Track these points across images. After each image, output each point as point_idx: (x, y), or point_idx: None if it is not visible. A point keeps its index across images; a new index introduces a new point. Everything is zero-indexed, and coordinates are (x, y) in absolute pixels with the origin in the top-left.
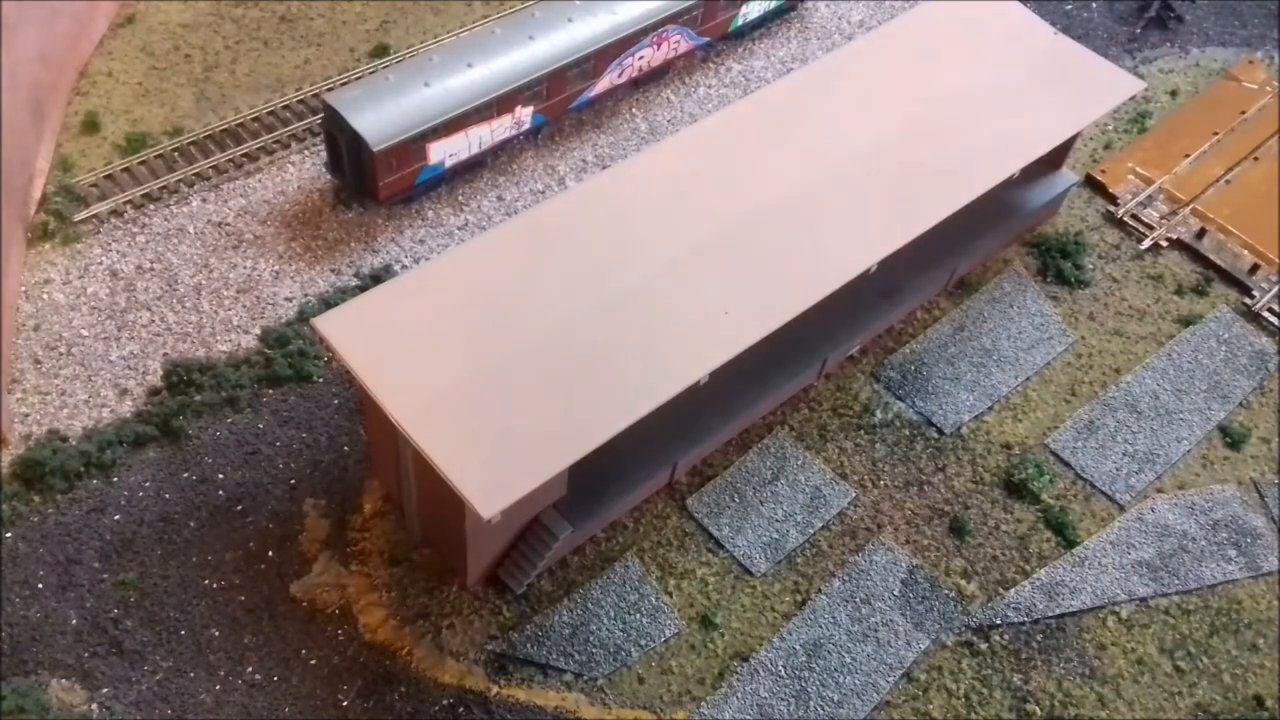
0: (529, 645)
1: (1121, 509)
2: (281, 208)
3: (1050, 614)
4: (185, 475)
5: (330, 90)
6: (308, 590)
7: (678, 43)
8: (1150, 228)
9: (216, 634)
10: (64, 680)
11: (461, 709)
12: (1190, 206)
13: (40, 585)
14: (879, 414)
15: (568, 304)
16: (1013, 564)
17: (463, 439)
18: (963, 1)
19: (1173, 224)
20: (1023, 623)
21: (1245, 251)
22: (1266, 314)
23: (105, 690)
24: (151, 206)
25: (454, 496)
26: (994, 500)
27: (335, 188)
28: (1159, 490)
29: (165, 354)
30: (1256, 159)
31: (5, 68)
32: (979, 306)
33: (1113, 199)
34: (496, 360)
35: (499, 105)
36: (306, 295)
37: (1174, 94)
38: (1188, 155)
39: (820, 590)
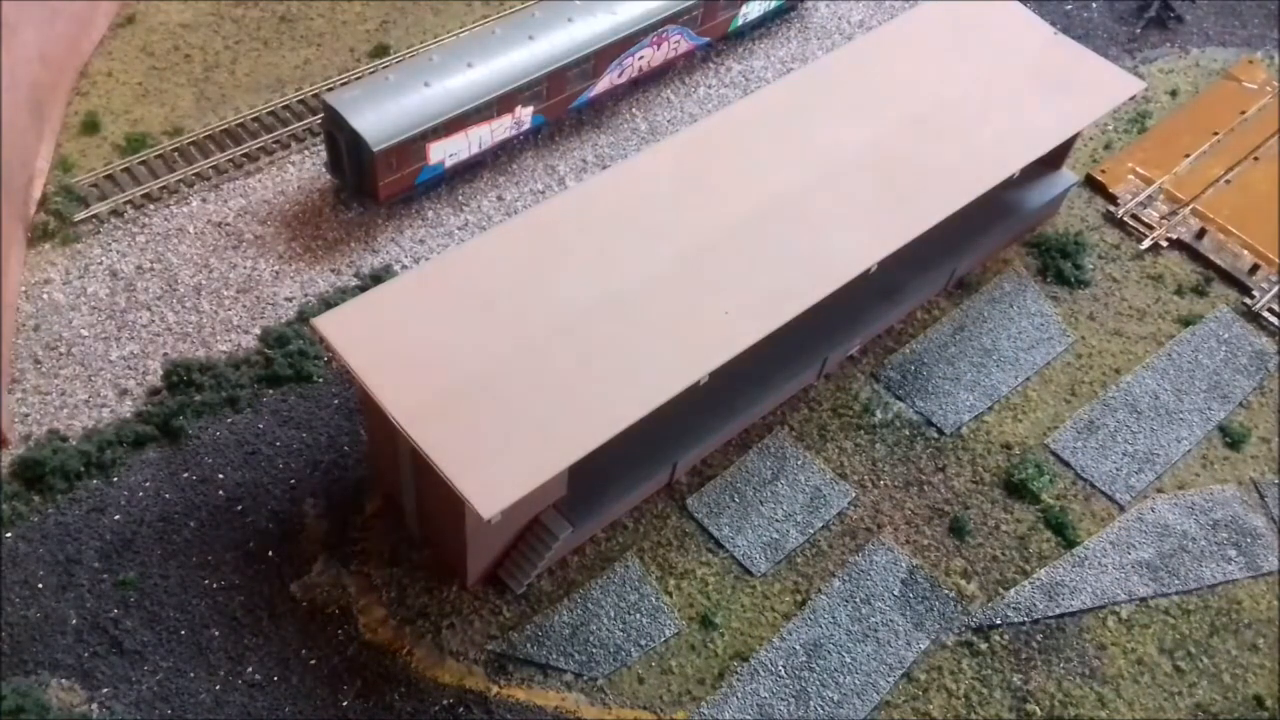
0: (529, 645)
1: (1121, 509)
2: (281, 208)
3: (1050, 614)
4: (185, 475)
5: (330, 90)
6: (308, 590)
7: (678, 43)
8: (1150, 228)
9: (216, 634)
10: (64, 680)
11: (461, 709)
12: (1190, 206)
13: (40, 585)
14: (879, 414)
15: (567, 304)
16: (1013, 564)
17: (463, 439)
18: (963, 1)
19: (1173, 224)
20: (1023, 623)
21: (1245, 251)
22: (1266, 314)
23: (105, 690)
24: (151, 206)
25: (454, 496)
26: (994, 500)
27: (335, 188)
28: (1159, 490)
29: (165, 354)
30: (1256, 159)
31: (5, 68)
32: (979, 306)
33: (1113, 199)
34: (496, 360)
35: (499, 105)
36: (306, 295)
37: (1174, 94)
38: (1188, 155)
39: (820, 590)
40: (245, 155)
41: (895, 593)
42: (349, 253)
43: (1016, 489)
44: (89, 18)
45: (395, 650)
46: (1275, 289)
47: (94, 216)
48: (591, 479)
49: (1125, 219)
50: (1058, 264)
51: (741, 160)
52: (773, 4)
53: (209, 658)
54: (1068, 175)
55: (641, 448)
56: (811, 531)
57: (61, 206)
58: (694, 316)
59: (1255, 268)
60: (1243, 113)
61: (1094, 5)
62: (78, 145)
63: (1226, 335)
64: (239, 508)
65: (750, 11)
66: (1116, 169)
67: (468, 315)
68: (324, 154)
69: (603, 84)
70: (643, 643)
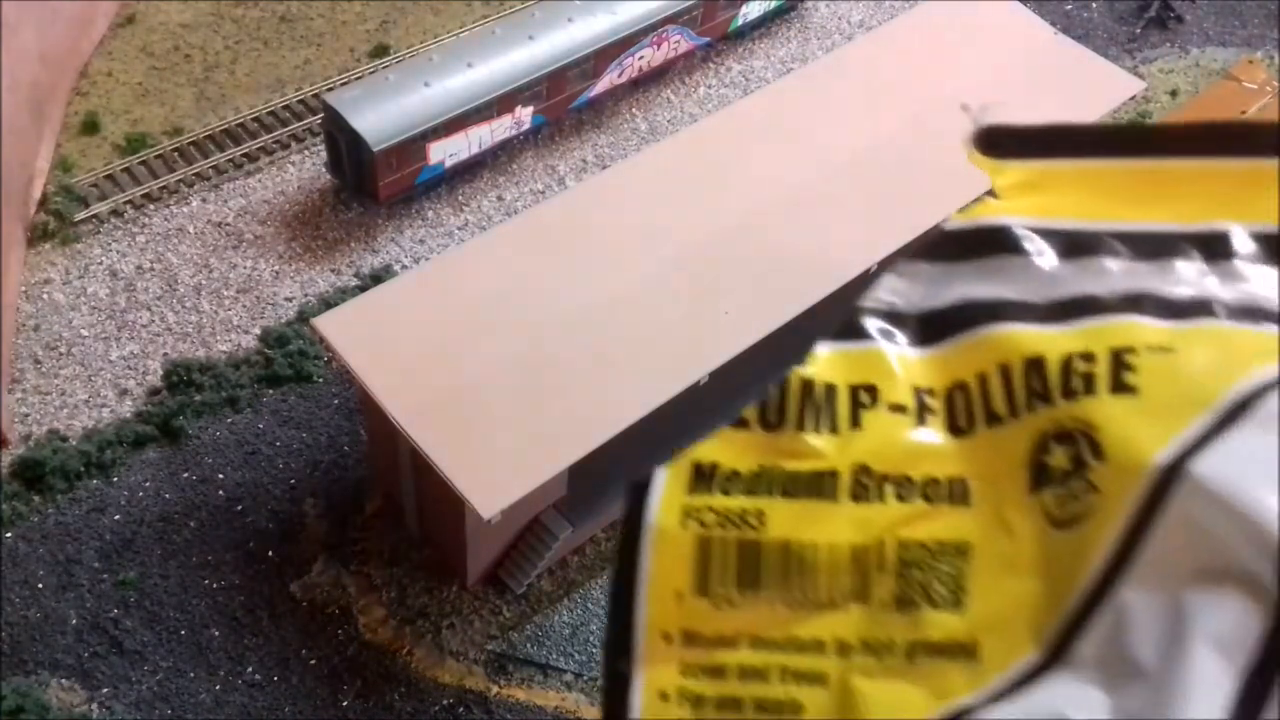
0: (529, 645)
1: None
2: (281, 208)
3: None
4: (185, 475)
5: (330, 90)
6: (308, 590)
7: (678, 43)
8: None
9: (216, 634)
10: (64, 680)
11: (461, 709)
12: None
13: (40, 585)
14: None
15: (567, 303)
16: None
17: (463, 439)
18: (963, 1)
19: None
20: None
21: None
22: None
23: (105, 690)
24: (151, 206)
25: (454, 496)
26: None
27: (335, 188)
28: None
29: (165, 354)
30: None
31: (5, 68)
32: None
33: None
34: (496, 360)
35: (499, 105)
36: (306, 295)
37: (1174, 94)
38: None
39: None
40: (245, 155)
41: None
42: (349, 253)
43: None
44: (89, 18)
45: (395, 650)
46: None
47: (94, 216)
48: (591, 479)
49: None
50: None
51: (742, 160)
52: (773, 4)
53: (209, 658)
54: None
55: (641, 448)
56: None
57: (61, 206)
58: (694, 316)
59: None
60: (1243, 112)
61: (1094, 5)
62: (78, 145)
63: None
64: (239, 508)
65: (750, 11)
66: None
67: (468, 315)
68: (324, 154)
69: (603, 84)
70: None
